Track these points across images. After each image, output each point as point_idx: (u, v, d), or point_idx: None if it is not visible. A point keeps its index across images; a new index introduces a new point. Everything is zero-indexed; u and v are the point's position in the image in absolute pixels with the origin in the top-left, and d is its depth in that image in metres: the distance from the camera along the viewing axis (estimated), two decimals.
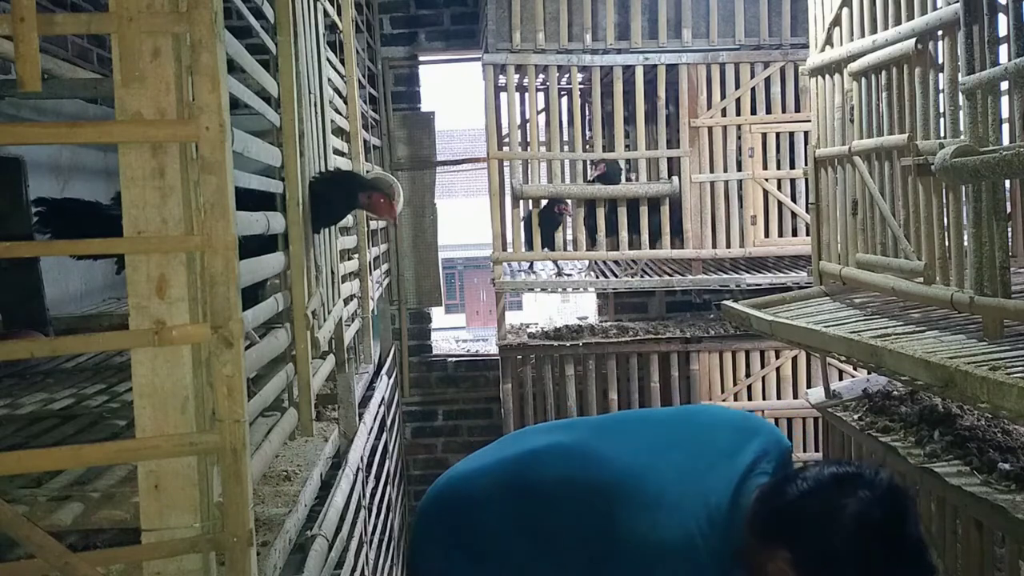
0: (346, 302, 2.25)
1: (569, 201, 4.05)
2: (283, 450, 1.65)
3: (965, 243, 1.85)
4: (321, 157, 1.92)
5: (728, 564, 1.33)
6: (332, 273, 2.01)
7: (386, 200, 1.65)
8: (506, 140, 4.09)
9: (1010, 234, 2.30)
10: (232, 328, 0.95)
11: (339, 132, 2.39)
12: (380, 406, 2.95)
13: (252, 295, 1.40)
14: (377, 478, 2.86)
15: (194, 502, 0.99)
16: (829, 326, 2.10)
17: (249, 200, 1.27)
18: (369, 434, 2.56)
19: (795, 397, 3.99)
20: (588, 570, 1.41)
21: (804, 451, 4.02)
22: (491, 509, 1.49)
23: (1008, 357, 1.56)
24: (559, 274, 4.25)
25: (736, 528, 1.33)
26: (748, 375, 4.04)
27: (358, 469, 2.24)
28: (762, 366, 4.04)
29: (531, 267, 4.35)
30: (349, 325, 2.24)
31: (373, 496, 2.71)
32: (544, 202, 4.07)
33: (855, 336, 1.90)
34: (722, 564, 1.33)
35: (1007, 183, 2.08)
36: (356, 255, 2.53)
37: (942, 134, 2.01)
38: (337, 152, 2.26)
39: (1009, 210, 2.31)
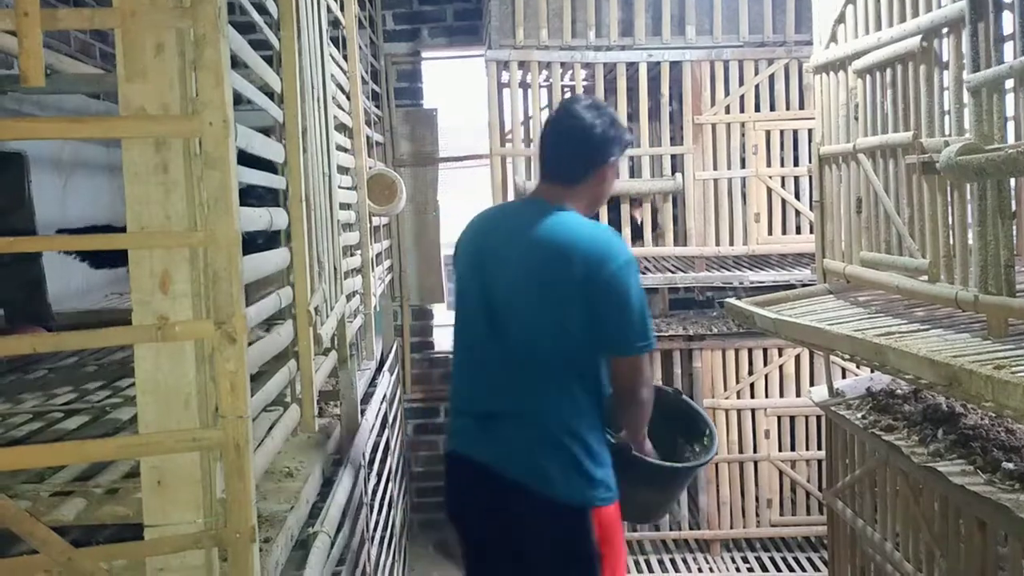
0: (348, 298, 2.25)
1: None
2: (285, 446, 1.65)
3: (970, 241, 1.85)
4: (324, 153, 1.92)
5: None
6: (335, 269, 2.01)
7: None
8: (509, 137, 4.08)
9: (1015, 232, 2.29)
10: (235, 324, 0.95)
11: (342, 128, 2.39)
12: (382, 403, 2.95)
13: None
14: (379, 475, 2.86)
15: (197, 498, 0.99)
16: (833, 324, 2.09)
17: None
18: (371, 431, 2.56)
19: (798, 395, 3.98)
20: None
21: (807, 449, 4.02)
22: None
23: (1013, 356, 1.56)
24: None
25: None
26: (751, 373, 4.04)
27: (360, 466, 2.24)
28: (765, 364, 4.03)
29: None
30: (351, 321, 2.24)
31: (375, 493, 2.71)
32: None
33: (859, 334, 1.90)
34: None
35: (1012, 181, 2.07)
36: (359, 251, 2.53)
37: (947, 132, 2.01)
38: (340, 148, 2.26)
39: (1014, 208, 2.29)
